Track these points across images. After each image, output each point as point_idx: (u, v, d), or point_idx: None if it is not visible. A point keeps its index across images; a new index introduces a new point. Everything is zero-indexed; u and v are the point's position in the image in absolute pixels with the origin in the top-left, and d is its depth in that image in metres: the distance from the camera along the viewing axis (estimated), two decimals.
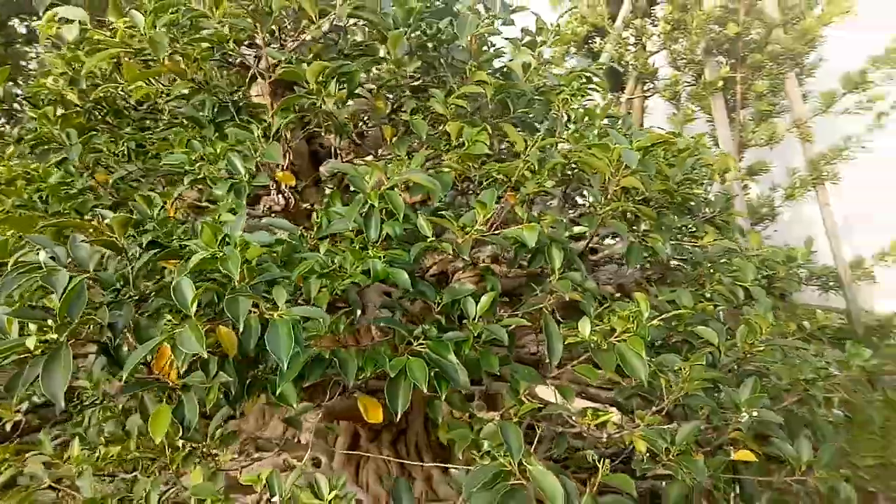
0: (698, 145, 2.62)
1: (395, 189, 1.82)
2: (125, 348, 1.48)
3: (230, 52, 2.11)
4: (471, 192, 2.28)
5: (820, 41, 5.73)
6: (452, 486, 2.76)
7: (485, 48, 2.32)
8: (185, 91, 2.21)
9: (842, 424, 2.14)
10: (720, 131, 5.74)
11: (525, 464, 1.58)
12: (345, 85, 1.95)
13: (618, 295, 2.61)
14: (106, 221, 1.63)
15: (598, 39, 6.39)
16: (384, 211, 1.82)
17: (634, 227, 2.23)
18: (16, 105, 2.52)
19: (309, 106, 2.06)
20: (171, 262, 1.71)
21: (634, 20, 6.16)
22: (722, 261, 2.51)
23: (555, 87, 2.35)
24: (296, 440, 2.47)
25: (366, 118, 2.34)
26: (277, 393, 1.50)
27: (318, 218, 1.82)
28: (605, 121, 2.52)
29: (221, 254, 1.33)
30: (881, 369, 2.13)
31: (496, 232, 1.88)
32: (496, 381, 2.26)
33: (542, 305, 1.97)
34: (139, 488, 1.81)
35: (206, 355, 1.29)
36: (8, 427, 2.42)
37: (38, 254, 1.47)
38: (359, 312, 1.79)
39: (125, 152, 2.22)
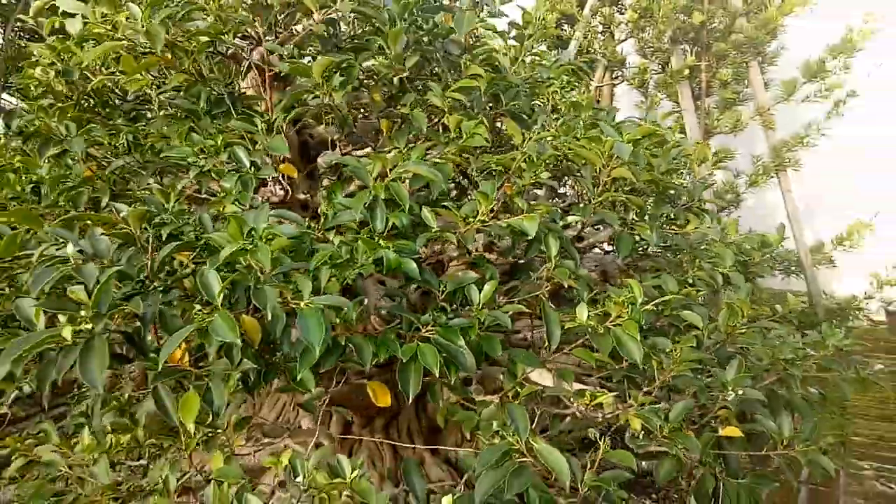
0: (674, 134, 2.73)
1: (398, 181, 1.88)
2: (149, 338, 1.53)
3: (229, 45, 2.14)
4: (468, 182, 2.35)
5: (781, 30, 5.88)
6: (442, 469, 2.84)
7: (476, 41, 2.38)
8: (181, 83, 2.24)
9: (817, 402, 2.26)
10: (687, 119, 5.88)
11: (531, 442, 1.67)
12: (344, 78, 2.00)
13: (602, 280, 2.72)
14: (122, 215, 1.67)
15: (566, 27, 6.48)
16: (386, 202, 1.89)
17: (623, 217, 2.32)
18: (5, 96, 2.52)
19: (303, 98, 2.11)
20: (182, 254, 1.75)
21: (602, 8, 6.26)
22: (702, 247, 2.62)
23: (544, 80, 2.43)
24: (296, 426, 2.53)
25: (360, 110, 2.39)
26: (298, 378, 1.55)
27: (325, 209, 1.86)
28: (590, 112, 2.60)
29: (251, 246, 1.38)
30: (853, 349, 2.26)
31: (497, 222, 1.95)
32: (491, 366, 2.34)
33: (539, 292, 2.05)
34: (154, 474, 1.85)
35: (239, 343, 1.34)
36: None
37: (59, 247, 1.51)
38: (365, 301, 1.86)
39: (124, 144, 2.24)
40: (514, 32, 2.50)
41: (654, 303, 1.99)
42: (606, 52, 6.15)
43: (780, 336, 2.31)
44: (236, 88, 2.43)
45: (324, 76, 1.89)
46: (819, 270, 5.77)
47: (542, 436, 2.26)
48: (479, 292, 1.88)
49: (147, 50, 2.04)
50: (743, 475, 2.03)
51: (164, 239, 1.63)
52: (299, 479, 1.55)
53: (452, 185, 2.42)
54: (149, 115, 2.60)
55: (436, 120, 2.16)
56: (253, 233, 1.43)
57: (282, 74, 2.21)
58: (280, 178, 2.31)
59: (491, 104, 2.45)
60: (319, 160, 2.22)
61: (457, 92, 2.09)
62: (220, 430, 1.81)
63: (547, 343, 2.05)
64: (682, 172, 2.71)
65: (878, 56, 5.86)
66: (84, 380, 1.30)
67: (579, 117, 2.49)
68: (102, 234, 1.56)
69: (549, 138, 2.12)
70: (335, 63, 1.91)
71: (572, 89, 2.39)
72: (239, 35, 2.30)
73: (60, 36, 2.40)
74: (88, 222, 1.93)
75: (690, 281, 2.45)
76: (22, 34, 6.79)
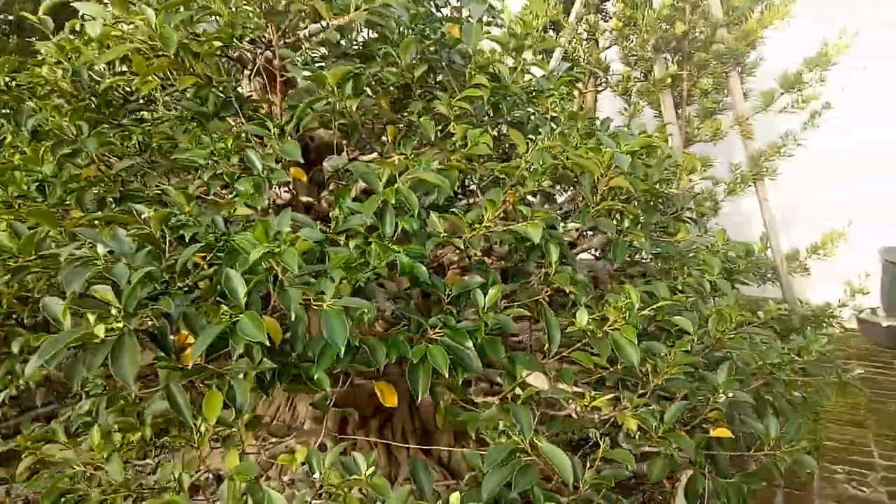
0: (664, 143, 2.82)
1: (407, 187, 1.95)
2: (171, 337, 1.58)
3: (243, 50, 2.19)
4: (470, 190, 2.42)
5: (760, 42, 6.02)
6: (435, 470, 2.91)
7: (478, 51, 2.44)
8: (190, 85, 2.28)
9: (800, 405, 2.36)
10: (668, 127, 6.00)
11: (536, 442, 1.75)
12: (356, 86, 2.06)
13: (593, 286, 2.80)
14: (143, 216, 1.72)
15: (552, 33, 6.57)
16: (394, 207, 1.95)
17: (618, 225, 2.40)
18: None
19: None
20: (197, 255, 1.80)
21: (587, 16, 6.37)
22: (690, 255, 2.71)
23: (544, 91, 2.50)
24: (293, 426, 2.58)
25: (366, 115, 2.44)
26: (315, 378, 1.61)
27: (337, 213, 1.92)
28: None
29: (279, 249, 1.44)
30: (835, 354, 2.37)
31: (502, 228, 2.02)
32: (487, 368, 2.41)
33: (539, 297, 2.13)
34: (165, 472, 1.90)
35: (267, 342, 1.40)
36: None
37: (82, 247, 1.56)
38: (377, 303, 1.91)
39: (136, 145, 2.28)
40: (513, 43, 2.56)
41: (649, 309, 2.08)
42: (591, 59, 6.25)
43: (766, 341, 2.41)
44: (242, 92, 2.48)
45: (339, 84, 1.95)
46: (794, 278, 5.93)
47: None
48: (485, 296, 1.95)
49: (160, 53, 2.09)
50: (731, 475, 2.12)
51: (186, 241, 1.67)
52: (316, 475, 1.60)
53: (457, 191, 2.48)
54: (153, 115, 2.63)
55: (439, 127, 2.22)
56: (278, 236, 1.49)
57: (288, 79, 2.27)
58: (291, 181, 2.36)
59: (490, 113, 2.52)
60: (325, 164, 2.28)
61: (463, 101, 2.16)
62: (234, 429, 1.86)
63: (544, 346, 2.13)
64: (671, 182, 2.80)
65: (856, 66, 6.03)
66: (117, 376, 1.35)
67: (575, 126, 2.58)
68: (128, 235, 1.61)
69: (550, 148, 2.19)
70: (349, 71, 1.97)
71: (572, 100, 2.47)
72: (247, 39, 2.35)
73: (70, 36, 2.43)
74: (96, 222, 1.98)
75: (680, 287, 2.54)
76: (6, 27, 6.75)
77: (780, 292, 5.76)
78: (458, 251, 2.17)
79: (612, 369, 2.22)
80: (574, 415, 2.16)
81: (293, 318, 1.45)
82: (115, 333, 1.40)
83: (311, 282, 1.60)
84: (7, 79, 2.40)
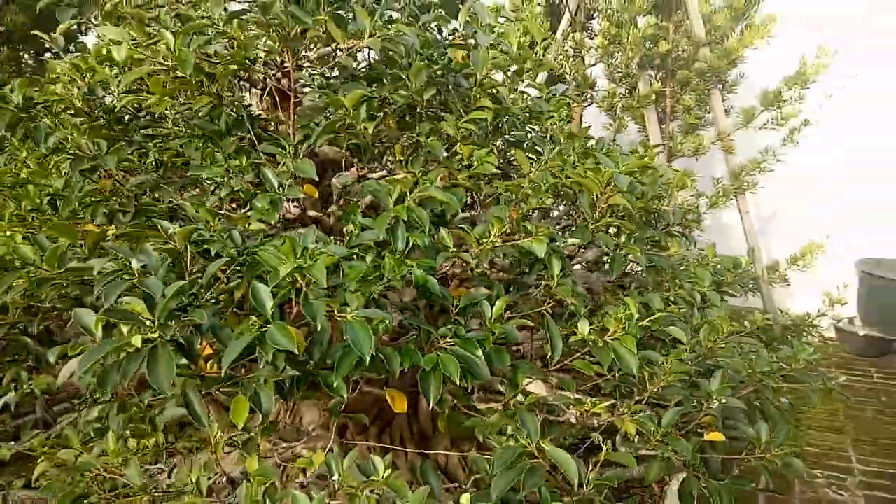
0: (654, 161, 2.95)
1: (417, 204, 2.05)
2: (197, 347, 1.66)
3: (257, 72, 2.28)
4: (468, 205, 2.52)
5: (741, 60, 6.19)
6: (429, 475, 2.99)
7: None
8: (205, 104, 2.36)
9: (788, 411, 2.48)
10: (652, 142, 6.15)
11: (542, 445, 1.85)
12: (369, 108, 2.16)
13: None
14: (169, 232, 1.80)
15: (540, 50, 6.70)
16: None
17: (615, 240, 2.51)
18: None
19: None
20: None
21: (574, 33, 6.51)
22: (682, 268, 2.83)
23: (543, 112, 2.62)
24: (304, 431, 2.65)
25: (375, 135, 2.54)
26: (335, 385, 1.70)
27: (351, 228, 2.01)
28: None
29: (307, 264, 1.53)
30: (820, 362, 2.49)
31: (507, 243, 2.12)
32: (490, 376, 2.51)
33: (542, 308, 2.23)
34: (181, 475, 1.97)
35: (296, 350, 1.48)
36: None
37: (112, 261, 1.64)
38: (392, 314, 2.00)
39: (153, 162, 2.36)
40: (514, 67, 2.67)
41: (646, 319, 2.20)
42: (578, 75, 6.39)
43: (755, 350, 2.53)
44: (253, 111, 2.57)
45: (355, 107, 2.05)
46: (774, 289, 6.08)
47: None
48: (491, 307, 2.05)
49: (177, 75, 2.17)
50: (723, 477, 2.23)
51: (212, 255, 1.76)
52: (335, 477, 1.69)
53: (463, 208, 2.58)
54: (158, 131, 2.71)
55: (445, 146, 2.32)
56: (305, 252, 1.58)
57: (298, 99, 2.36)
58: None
59: (490, 132, 2.63)
60: (334, 181, 2.37)
61: (469, 123, 2.26)
62: (251, 434, 1.93)
63: (546, 355, 2.23)
64: (663, 198, 2.92)
65: (847, 74, 6.22)
66: (153, 384, 1.43)
67: (571, 145, 2.69)
68: (155, 249, 1.69)
69: (551, 167, 2.30)
70: (364, 95, 2.06)
71: (570, 121, 2.58)
72: (261, 62, 2.44)
73: (84, 55, 2.51)
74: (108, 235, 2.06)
75: (672, 299, 2.66)
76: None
77: (762, 303, 5.90)
78: (463, 264, 2.26)
79: (608, 377, 2.32)
80: (574, 420, 2.26)
81: (318, 329, 1.54)
82: (151, 344, 1.48)
83: (329, 294, 1.69)
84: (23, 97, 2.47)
